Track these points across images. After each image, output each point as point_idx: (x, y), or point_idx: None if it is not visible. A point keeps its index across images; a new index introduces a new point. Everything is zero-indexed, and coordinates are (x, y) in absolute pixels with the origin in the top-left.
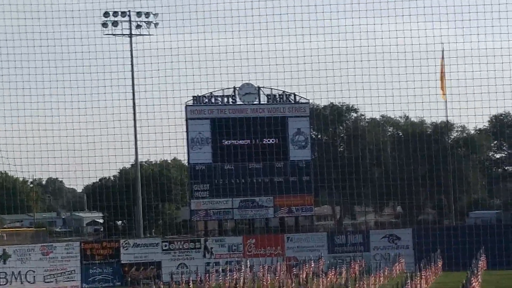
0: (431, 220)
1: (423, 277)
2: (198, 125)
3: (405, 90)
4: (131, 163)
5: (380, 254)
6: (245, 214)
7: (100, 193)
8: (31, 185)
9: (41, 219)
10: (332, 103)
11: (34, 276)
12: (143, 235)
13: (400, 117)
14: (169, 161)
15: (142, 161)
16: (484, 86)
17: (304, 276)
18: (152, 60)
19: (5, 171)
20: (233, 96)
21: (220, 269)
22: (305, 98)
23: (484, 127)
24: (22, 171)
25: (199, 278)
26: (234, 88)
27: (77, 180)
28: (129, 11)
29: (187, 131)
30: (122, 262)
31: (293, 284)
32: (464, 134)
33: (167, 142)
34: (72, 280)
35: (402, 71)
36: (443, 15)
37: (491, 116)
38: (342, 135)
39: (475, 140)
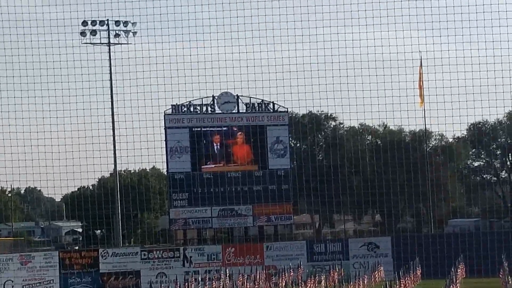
0: (410, 228)
1: (402, 285)
2: (177, 134)
3: (383, 98)
4: (110, 172)
5: (359, 263)
6: (224, 223)
7: (79, 202)
8: (9, 195)
9: (20, 228)
10: (310, 111)
11: (12, 286)
12: (122, 244)
13: (379, 125)
14: (148, 170)
15: (120, 170)
16: (462, 94)
17: (283, 284)
18: (131, 69)
19: None
20: (212, 105)
21: (199, 278)
22: (283, 107)
23: (463, 135)
24: None
25: (178, 287)
26: (213, 97)
27: (55, 189)
28: (107, 20)
29: (166, 140)
30: (101, 271)
31: None
32: (443, 143)
33: (146, 151)
34: None
35: (381, 79)
36: (421, 24)
37: (469, 124)
38: (321, 143)
39: (454, 148)
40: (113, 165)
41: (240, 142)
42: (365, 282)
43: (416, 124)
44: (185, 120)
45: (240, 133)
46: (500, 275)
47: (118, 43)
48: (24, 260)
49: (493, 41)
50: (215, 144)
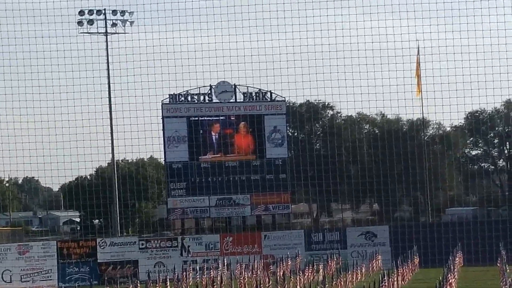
0: (408, 217)
1: (399, 274)
2: (174, 124)
3: (380, 87)
4: (107, 161)
5: (357, 252)
6: (222, 212)
7: (77, 192)
8: (7, 184)
9: (17, 218)
10: (308, 100)
11: (10, 276)
12: (119, 234)
13: (376, 114)
14: (146, 160)
15: (118, 160)
16: (459, 83)
17: (281, 274)
18: (128, 59)
19: None
20: (210, 94)
21: (197, 268)
22: (281, 96)
23: (460, 124)
24: None
25: (176, 277)
26: (210, 86)
27: (53, 179)
28: (104, 9)
29: (163, 130)
30: (99, 261)
31: (270, 282)
32: (440, 131)
33: (144, 140)
34: (49, 280)
35: (378, 68)
36: (418, 12)
37: (466, 113)
38: (318, 132)
39: (451, 137)
40: (110, 155)
41: (238, 131)
42: (363, 271)
43: (413, 113)
44: (182, 110)
45: (243, 122)
46: (498, 264)
47: (115, 33)
48: (22, 250)
49: (490, 30)
50: (212, 134)
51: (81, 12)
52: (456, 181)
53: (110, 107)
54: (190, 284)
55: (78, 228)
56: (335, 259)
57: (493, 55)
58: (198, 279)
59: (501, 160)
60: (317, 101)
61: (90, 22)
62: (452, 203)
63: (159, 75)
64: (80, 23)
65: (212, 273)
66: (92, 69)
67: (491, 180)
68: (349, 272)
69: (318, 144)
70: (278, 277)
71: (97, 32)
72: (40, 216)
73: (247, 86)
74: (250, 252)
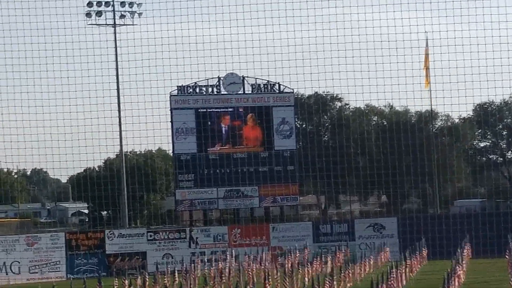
0: (416, 209)
1: (408, 265)
2: (182, 115)
3: (389, 79)
4: (116, 153)
5: (365, 243)
6: (230, 204)
7: (85, 184)
8: (16, 176)
9: (26, 209)
10: (316, 92)
11: (19, 267)
12: (128, 226)
13: (385, 106)
14: (154, 151)
15: (126, 152)
16: (468, 75)
17: (290, 265)
18: (136, 50)
19: None
20: (218, 86)
21: (205, 259)
22: (289, 88)
23: (469, 116)
24: (6, 162)
25: (184, 268)
26: (219, 78)
27: (61, 171)
28: (113, 1)
29: (171, 121)
30: (107, 252)
31: (279, 274)
32: (449, 123)
33: (152, 132)
34: (57, 271)
35: (387, 60)
36: (427, 4)
37: (475, 104)
38: (326, 124)
39: (460, 129)
40: (119, 146)
41: (246, 123)
42: (371, 263)
43: (422, 104)
44: (190, 101)
45: (250, 114)
46: (506, 256)
47: (124, 24)
48: (30, 241)
49: (499, 21)
50: (221, 125)
51: (90, 4)
52: (465, 173)
53: (119, 98)
54: (198, 275)
55: (87, 220)
56: (343, 251)
57: (501, 46)
58: (206, 270)
59: (510, 152)
60: (326, 93)
61: (99, 13)
62: (461, 195)
63: (167, 67)
64: (88, 14)
65: (220, 264)
66: (100, 60)
67: (499, 172)
68: (357, 264)
69: (326, 136)
70: (286, 269)
71: (106, 24)
72: (48, 207)
73: (256, 78)
74: (258, 244)
